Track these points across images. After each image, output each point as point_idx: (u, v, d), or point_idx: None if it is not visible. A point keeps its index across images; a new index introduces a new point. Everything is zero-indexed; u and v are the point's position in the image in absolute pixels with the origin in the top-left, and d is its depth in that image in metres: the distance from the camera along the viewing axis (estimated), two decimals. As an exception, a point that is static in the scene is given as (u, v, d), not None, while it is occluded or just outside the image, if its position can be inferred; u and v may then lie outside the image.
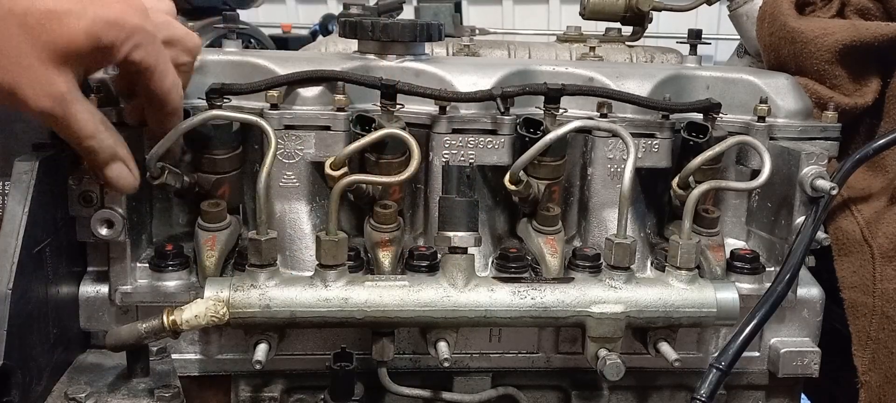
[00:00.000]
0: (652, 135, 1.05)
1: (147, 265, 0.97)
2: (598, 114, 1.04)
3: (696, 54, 1.25)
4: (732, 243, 1.10)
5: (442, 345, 0.92)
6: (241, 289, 0.88)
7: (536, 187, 1.00)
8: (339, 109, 0.99)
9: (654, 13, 1.47)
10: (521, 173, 0.97)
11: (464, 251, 0.91)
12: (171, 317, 0.85)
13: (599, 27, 1.56)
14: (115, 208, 0.92)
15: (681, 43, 1.32)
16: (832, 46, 1.10)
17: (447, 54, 1.41)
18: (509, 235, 1.09)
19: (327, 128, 1.00)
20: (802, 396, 1.20)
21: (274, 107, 0.99)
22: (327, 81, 1.01)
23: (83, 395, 0.86)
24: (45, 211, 0.87)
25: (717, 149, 0.96)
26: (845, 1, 1.18)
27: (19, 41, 0.72)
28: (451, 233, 0.90)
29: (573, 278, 0.95)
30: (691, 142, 1.02)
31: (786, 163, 1.04)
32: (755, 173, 1.05)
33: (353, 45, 1.12)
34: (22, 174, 0.85)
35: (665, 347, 0.95)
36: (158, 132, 0.88)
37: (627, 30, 1.53)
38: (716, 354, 0.95)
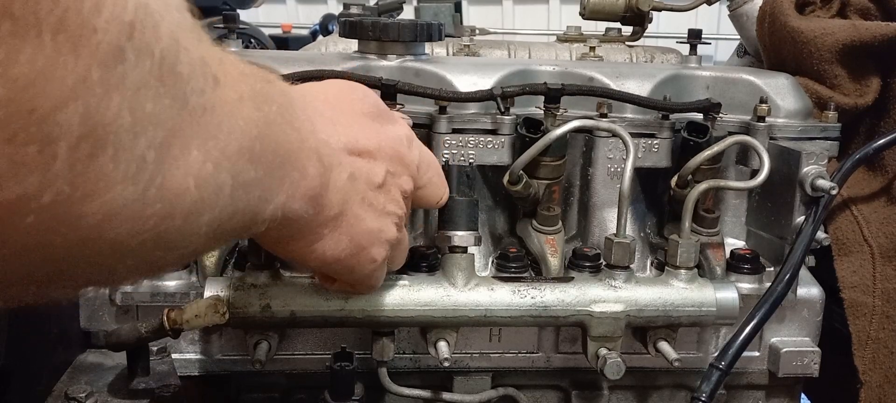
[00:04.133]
0: (652, 135, 1.05)
1: (147, 265, 0.97)
2: (598, 113, 1.04)
3: (696, 54, 1.25)
4: (732, 243, 1.10)
5: (442, 345, 0.92)
6: (241, 289, 0.88)
7: (536, 187, 1.00)
8: (339, 109, 0.99)
9: (654, 13, 1.47)
10: (521, 173, 0.97)
11: (464, 250, 0.91)
12: (172, 317, 0.85)
13: (599, 27, 1.56)
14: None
15: (681, 43, 1.32)
16: (832, 46, 1.10)
17: (447, 54, 1.41)
18: (509, 235, 1.09)
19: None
20: (802, 396, 1.20)
21: (274, 107, 0.99)
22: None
23: (83, 395, 0.86)
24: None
25: (716, 148, 0.96)
26: (845, 1, 1.18)
27: None
28: (451, 233, 0.90)
29: (573, 277, 0.95)
30: (691, 142, 1.02)
31: (786, 162, 1.04)
32: (755, 173, 1.05)
33: (353, 45, 1.12)
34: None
35: (665, 346, 0.95)
36: None
37: (627, 30, 1.53)
38: (716, 354, 0.95)
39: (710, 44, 1.33)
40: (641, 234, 1.09)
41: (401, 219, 0.77)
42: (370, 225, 0.72)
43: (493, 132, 1.02)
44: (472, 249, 0.91)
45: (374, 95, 0.79)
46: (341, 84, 0.79)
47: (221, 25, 1.15)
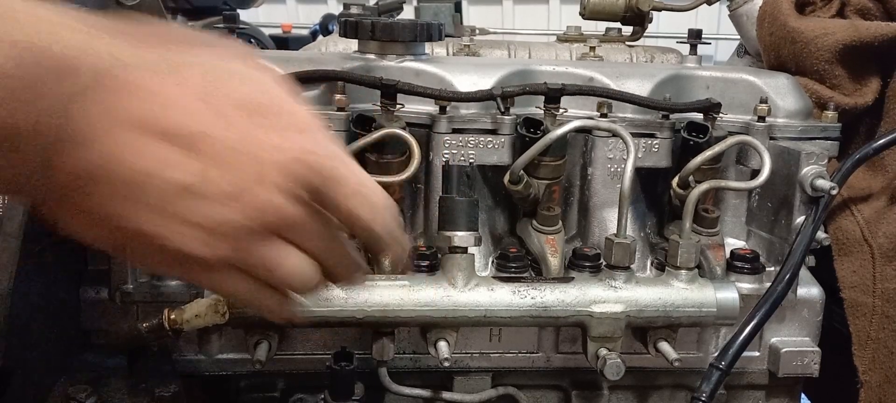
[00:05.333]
0: (652, 135, 1.05)
1: (147, 265, 0.97)
2: (598, 113, 1.04)
3: (696, 54, 1.25)
4: (732, 243, 1.10)
5: (442, 345, 0.92)
6: (242, 289, 0.88)
7: (536, 187, 1.00)
8: (339, 109, 0.99)
9: (654, 13, 1.47)
10: (522, 173, 0.97)
11: (464, 250, 0.91)
12: (172, 317, 0.85)
13: (599, 27, 1.56)
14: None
15: (681, 43, 1.32)
16: (832, 46, 1.10)
17: (447, 54, 1.41)
18: (509, 235, 1.09)
19: (327, 127, 0.99)
20: (802, 396, 1.20)
21: (274, 106, 0.99)
22: (327, 81, 1.01)
23: (83, 395, 0.86)
24: (45, 211, 0.87)
25: (716, 148, 0.96)
26: (845, 1, 1.18)
27: None
28: (451, 233, 0.90)
29: (573, 278, 0.95)
30: (691, 142, 1.02)
31: (786, 162, 1.04)
32: (755, 173, 1.05)
33: (353, 44, 1.12)
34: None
35: (665, 347, 0.95)
36: None
37: (627, 30, 1.53)
38: (716, 354, 0.95)
39: (710, 44, 1.33)
40: (641, 234, 1.09)
41: (217, 251, 0.55)
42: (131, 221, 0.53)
43: (493, 132, 1.02)
44: (472, 249, 0.91)
45: (266, 86, 0.59)
46: (237, 61, 0.59)
47: (221, 25, 1.15)
